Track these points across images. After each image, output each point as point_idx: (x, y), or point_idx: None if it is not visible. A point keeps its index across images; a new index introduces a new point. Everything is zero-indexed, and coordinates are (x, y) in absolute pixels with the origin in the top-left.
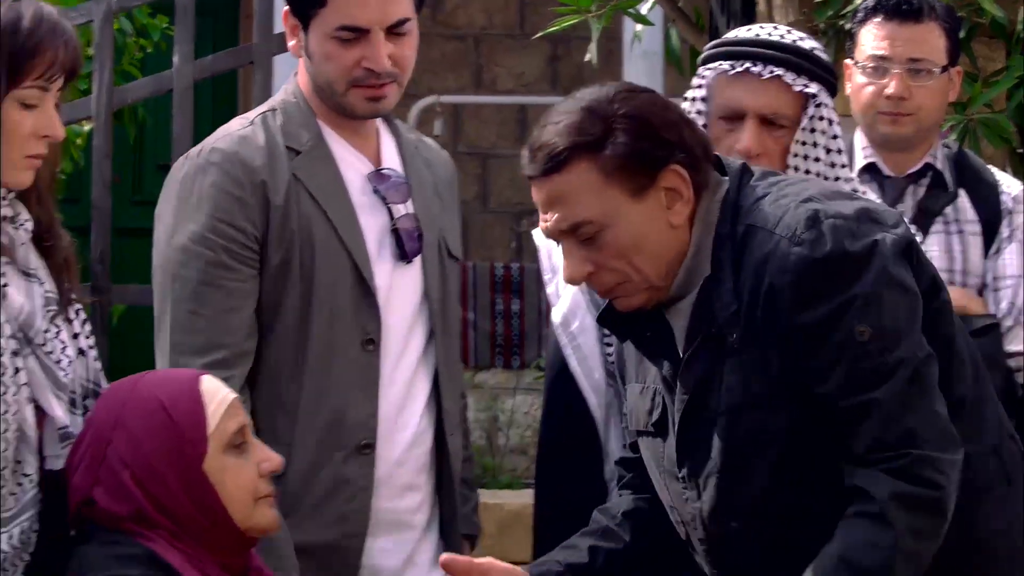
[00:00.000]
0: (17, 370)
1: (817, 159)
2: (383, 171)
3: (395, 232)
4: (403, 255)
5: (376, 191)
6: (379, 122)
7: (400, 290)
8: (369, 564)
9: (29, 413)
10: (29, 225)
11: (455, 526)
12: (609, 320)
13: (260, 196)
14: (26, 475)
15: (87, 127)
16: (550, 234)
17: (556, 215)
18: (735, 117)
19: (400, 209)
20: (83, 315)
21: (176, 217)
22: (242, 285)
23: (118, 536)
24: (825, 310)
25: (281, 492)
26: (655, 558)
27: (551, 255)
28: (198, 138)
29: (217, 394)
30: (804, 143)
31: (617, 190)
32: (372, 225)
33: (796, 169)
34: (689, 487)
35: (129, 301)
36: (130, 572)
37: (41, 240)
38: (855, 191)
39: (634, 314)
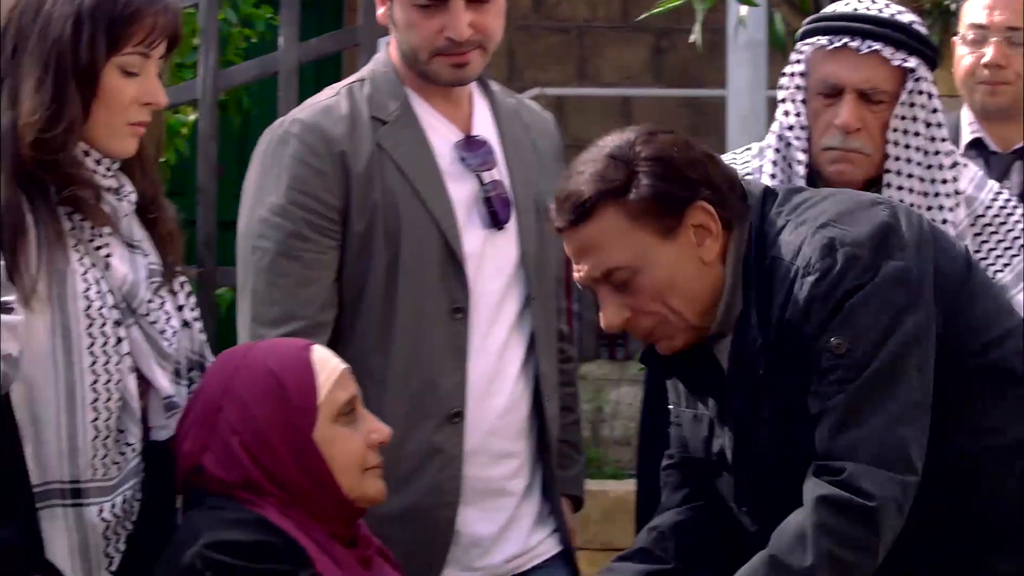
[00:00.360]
0: (119, 340)
1: (917, 133)
2: (473, 138)
3: (486, 200)
4: (495, 222)
5: (463, 159)
6: (474, 87)
7: (492, 257)
8: (464, 532)
9: (132, 383)
10: (133, 196)
11: (555, 490)
12: (654, 358)
13: (340, 166)
14: (129, 444)
15: (192, 116)
16: (584, 283)
17: (588, 264)
18: (834, 92)
19: (489, 176)
20: (188, 288)
21: (257, 188)
22: (320, 256)
23: (227, 502)
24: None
25: None
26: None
27: None
28: None
29: (328, 364)
30: (903, 118)
31: (646, 233)
32: (461, 193)
33: (896, 144)
34: (752, 521)
35: (233, 283)
36: (243, 536)
37: (145, 212)
38: (956, 164)
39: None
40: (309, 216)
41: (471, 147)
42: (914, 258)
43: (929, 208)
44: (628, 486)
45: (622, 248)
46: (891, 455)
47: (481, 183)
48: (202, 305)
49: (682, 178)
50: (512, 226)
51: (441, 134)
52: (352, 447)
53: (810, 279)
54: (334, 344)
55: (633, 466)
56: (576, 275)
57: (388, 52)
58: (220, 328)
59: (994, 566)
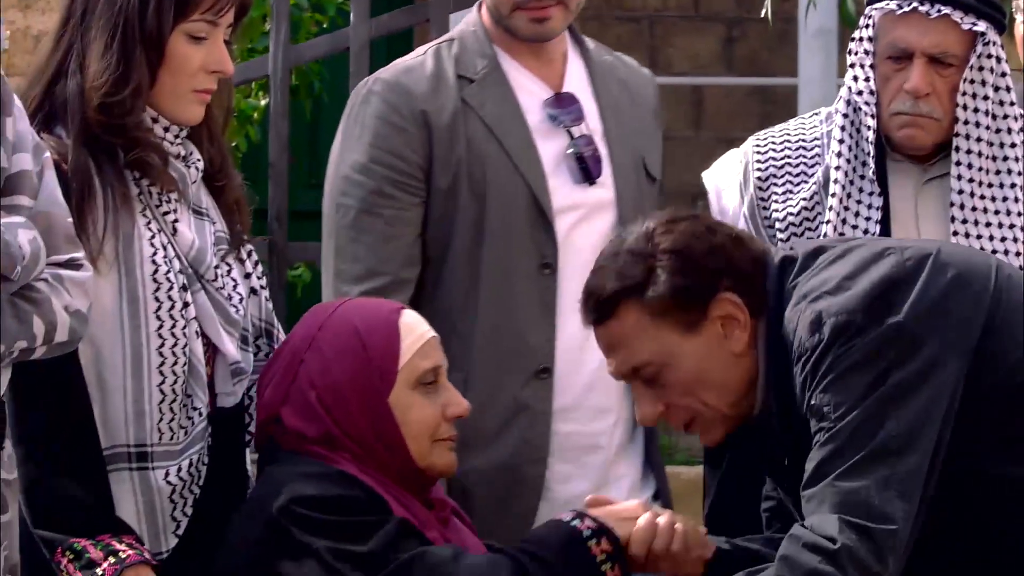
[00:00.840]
0: (186, 304)
1: (986, 97)
2: (563, 94)
3: (577, 156)
4: (586, 177)
5: (553, 116)
6: (568, 45)
7: (585, 213)
8: (556, 489)
9: (198, 347)
10: (200, 164)
11: (656, 452)
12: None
13: (421, 124)
14: (195, 409)
15: (263, 101)
16: (615, 376)
17: (616, 360)
18: (903, 57)
19: (579, 131)
20: (255, 256)
21: (342, 147)
22: (402, 213)
23: (304, 458)
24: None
25: (460, 421)
26: None
27: (720, 196)
28: None
29: (415, 330)
30: (972, 81)
31: (668, 329)
32: (549, 148)
33: (965, 108)
34: None
35: (307, 258)
36: (327, 490)
37: (212, 180)
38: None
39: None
40: (391, 173)
41: (561, 103)
42: (920, 311)
43: (998, 172)
44: (698, 470)
45: (646, 345)
46: (852, 504)
47: (571, 138)
48: (273, 283)
49: (702, 270)
50: (608, 181)
51: (530, 91)
52: (426, 415)
53: (803, 360)
54: (419, 301)
55: (702, 454)
56: (608, 369)
57: (478, 12)
58: (293, 308)
59: None
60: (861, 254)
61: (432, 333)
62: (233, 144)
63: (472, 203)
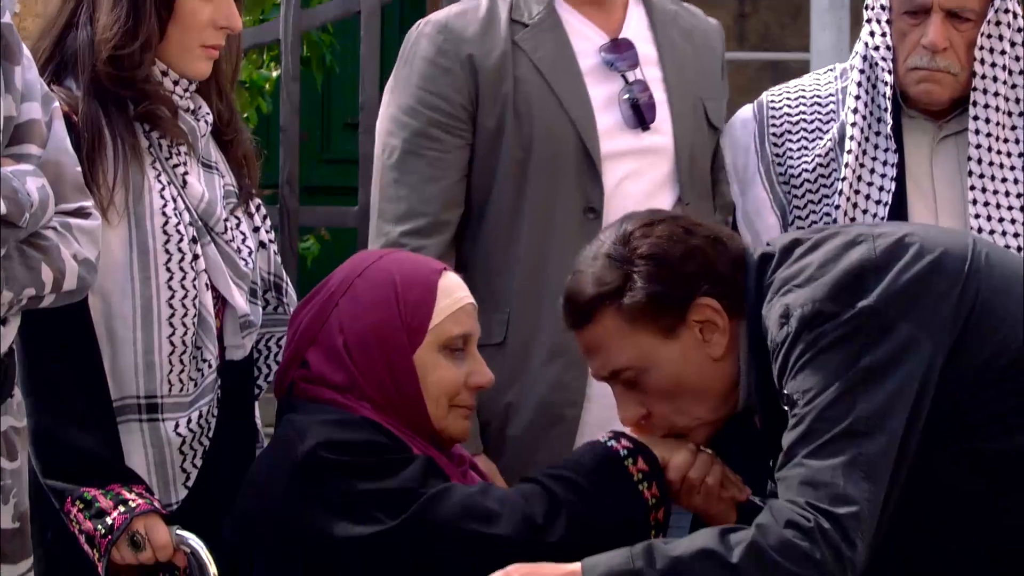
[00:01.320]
0: (196, 257)
1: (1003, 52)
2: (619, 40)
3: (633, 102)
4: (640, 122)
5: (608, 61)
6: None
7: (636, 159)
8: (594, 435)
9: (208, 299)
10: (209, 118)
11: None
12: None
13: (468, 66)
14: (205, 361)
15: (275, 73)
16: (596, 378)
17: (595, 364)
18: (920, 11)
19: (634, 76)
20: (264, 210)
21: (392, 87)
22: (445, 155)
23: (325, 407)
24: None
25: (502, 361)
26: None
27: (736, 154)
28: (385, 63)
29: (453, 293)
30: (989, 36)
31: (646, 334)
32: (602, 92)
33: (982, 63)
34: None
35: (316, 223)
36: (355, 436)
37: (221, 135)
38: None
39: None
40: (436, 115)
41: (617, 49)
42: (894, 295)
43: (1014, 127)
44: None
45: (624, 350)
46: (817, 486)
47: (626, 83)
48: (284, 248)
49: (679, 275)
50: (664, 128)
51: (585, 36)
52: (448, 379)
53: (775, 355)
54: (463, 240)
55: None
56: (590, 370)
57: None
58: (303, 280)
59: None
60: (833, 243)
61: (469, 300)
62: (244, 116)
63: (517, 144)
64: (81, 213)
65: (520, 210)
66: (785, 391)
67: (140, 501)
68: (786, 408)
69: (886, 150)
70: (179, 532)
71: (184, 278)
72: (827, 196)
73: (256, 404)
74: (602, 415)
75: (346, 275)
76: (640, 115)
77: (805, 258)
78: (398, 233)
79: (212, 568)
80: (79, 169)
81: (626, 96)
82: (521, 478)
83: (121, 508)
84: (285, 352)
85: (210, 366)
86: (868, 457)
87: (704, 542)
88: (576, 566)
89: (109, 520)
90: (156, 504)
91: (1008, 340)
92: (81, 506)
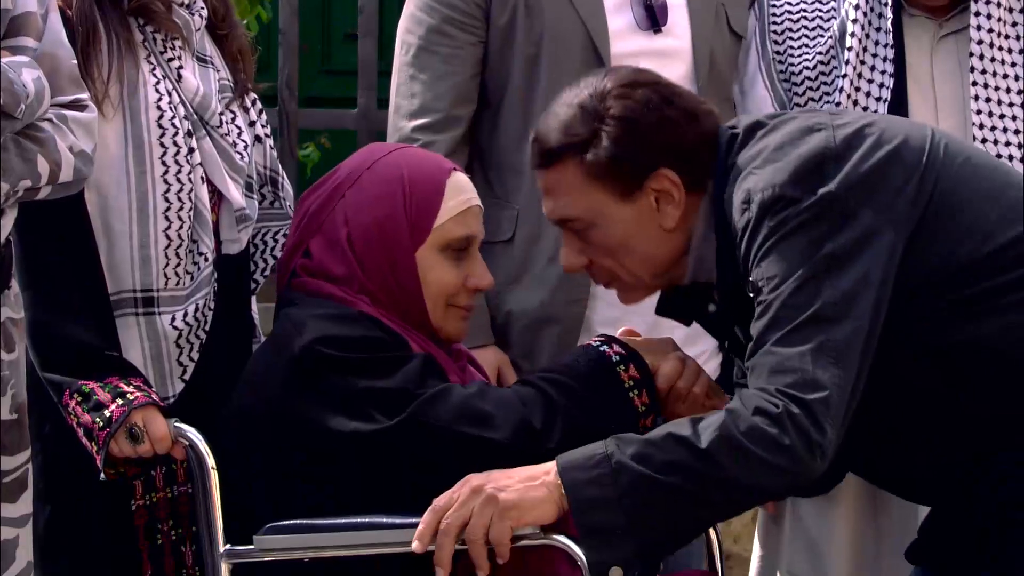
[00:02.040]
0: (191, 150)
1: None
2: None
3: (646, 3)
4: (653, 23)
5: None
6: None
7: (649, 60)
8: (601, 332)
9: (204, 193)
10: (204, 12)
11: None
12: (669, 308)
13: None
14: (201, 254)
15: None
16: (548, 217)
17: (549, 206)
18: None
19: None
20: (260, 105)
21: None
22: (458, 52)
23: (323, 301)
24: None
25: (509, 257)
26: None
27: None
28: None
29: (460, 194)
30: None
31: (602, 192)
32: None
33: None
34: None
35: (315, 125)
36: (351, 331)
37: (216, 28)
38: None
39: (698, 294)
40: (450, 12)
41: None
42: (854, 182)
43: (1015, 24)
44: None
45: (577, 201)
46: (785, 372)
47: None
48: (284, 152)
49: (646, 143)
50: (680, 31)
51: None
52: (447, 279)
53: (738, 240)
54: (478, 137)
55: None
56: (543, 209)
57: None
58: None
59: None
60: (793, 126)
61: (476, 202)
62: (244, 23)
63: (528, 43)
64: (77, 105)
65: (532, 108)
66: (750, 278)
67: (138, 394)
68: (751, 295)
69: (886, 45)
70: (177, 424)
71: (179, 171)
72: (827, 94)
73: (254, 299)
74: (608, 314)
75: (355, 166)
76: (653, 16)
77: (763, 140)
78: (410, 128)
79: (210, 460)
80: (75, 62)
81: None
82: (518, 380)
83: (119, 401)
84: (289, 239)
85: (206, 260)
86: (835, 343)
87: (674, 428)
88: (550, 464)
89: (107, 413)
90: (154, 397)
91: (969, 231)
92: (79, 399)
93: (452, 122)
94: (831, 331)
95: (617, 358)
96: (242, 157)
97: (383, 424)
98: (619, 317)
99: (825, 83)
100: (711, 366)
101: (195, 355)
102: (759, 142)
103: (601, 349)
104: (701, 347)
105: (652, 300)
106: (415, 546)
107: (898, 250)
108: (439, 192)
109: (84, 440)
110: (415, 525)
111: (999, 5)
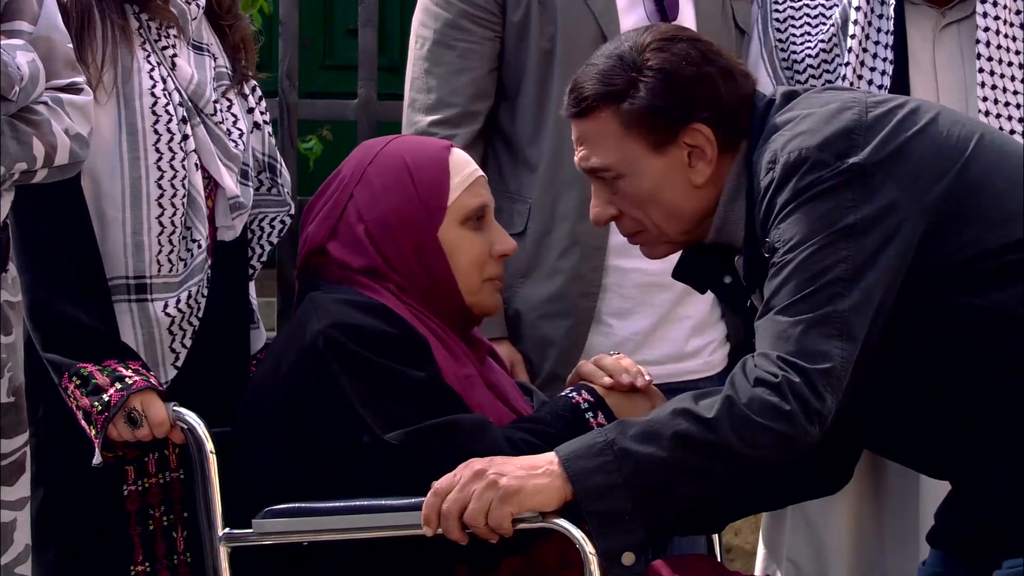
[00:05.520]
0: (185, 137)
1: None
2: None
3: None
4: (663, 17)
5: None
6: None
7: None
8: (613, 323)
9: (198, 180)
10: (201, 1)
11: None
12: (685, 273)
13: None
14: (195, 241)
15: None
16: (580, 168)
17: (582, 154)
18: None
19: None
20: (259, 92)
21: None
22: (475, 47)
23: (346, 287)
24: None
25: (521, 251)
26: None
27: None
28: None
29: (464, 168)
30: None
31: (636, 143)
32: None
33: None
34: None
35: (315, 116)
36: (367, 322)
37: (217, 18)
38: None
39: (713, 263)
40: (466, 7)
41: None
42: (883, 156)
43: (1018, 12)
44: None
45: (611, 151)
46: (788, 340)
47: None
48: (284, 143)
49: (683, 96)
50: (690, 26)
51: None
52: (475, 252)
53: (760, 200)
54: (494, 133)
55: None
56: (575, 158)
57: None
58: (305, 181)
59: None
60: (827, 97)
61: (480, 172)
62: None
63: (542, 37)
64: (73, 89)
65: (545, 102)
66: (768, 238)
67: (137, 378)
68: (767, 256)
69: (888, 32)
70: (176, 409)
71: (173, 159)
72: (829, 82)
73: (252, 284)
74: (619, 305)
75: (356, 164)
76: (663, 10)
77: (799, 107)
78: (427, 123)
79: (209, 444)
80: (70, 46)
81: None
82: (511, 423)
83: (118, 385)
84: (302, 247)
85: (200, 247)
86: (842, 314)
87: (678, 403)
88: (549, 455)
89: (106, 397)
90: (153, 381)
91: (994, 218)
92: (78, 382)
93: (470, 117)
94: (839, 302)
95: (586, 405)
96: (237, 145)
97: (374, 440)
98: (629, 308)
99: (827, 71)
100: (719, 356)
101: (188, 342)
102: (793, 110)
103: (570, 396)
104: (709, 337)
105: (661, 296)
106: (425, 531)
107: (920, 229)
108: (444, 170)
109: (83, 424)
110: (413, 507)
111: None
